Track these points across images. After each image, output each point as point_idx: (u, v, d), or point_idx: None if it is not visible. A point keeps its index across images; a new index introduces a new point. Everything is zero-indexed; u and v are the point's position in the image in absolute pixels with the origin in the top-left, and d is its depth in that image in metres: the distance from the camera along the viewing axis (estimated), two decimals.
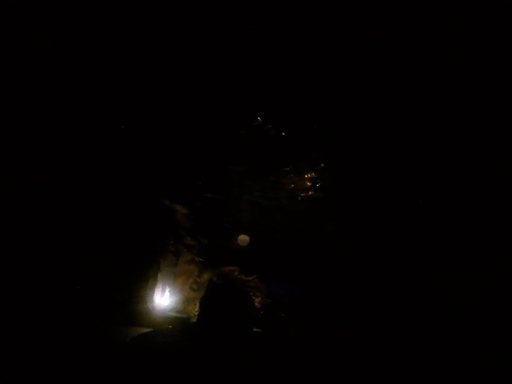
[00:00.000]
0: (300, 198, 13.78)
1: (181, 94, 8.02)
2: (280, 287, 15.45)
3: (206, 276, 13.71)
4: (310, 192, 13.47)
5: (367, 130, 9.46)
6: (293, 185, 12.96)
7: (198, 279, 13.20)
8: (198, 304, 13.03)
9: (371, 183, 12.03)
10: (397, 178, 11.51)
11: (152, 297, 10.73)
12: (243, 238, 15.09)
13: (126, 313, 9.28)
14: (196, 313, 12.82)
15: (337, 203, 13.26)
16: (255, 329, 13.52)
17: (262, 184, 12.51)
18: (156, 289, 10.95)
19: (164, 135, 9.34)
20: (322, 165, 11.43)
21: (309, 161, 11.44)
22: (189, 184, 10.67)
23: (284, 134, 10.04)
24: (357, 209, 13.04)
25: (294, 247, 15.76)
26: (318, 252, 15.53)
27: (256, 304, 14.48)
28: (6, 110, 7.40)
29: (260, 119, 9.33)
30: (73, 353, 6.01)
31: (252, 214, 14.90)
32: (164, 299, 11.48)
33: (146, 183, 9.92)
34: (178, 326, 10.34)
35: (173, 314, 11.38)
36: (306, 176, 12.92)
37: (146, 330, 9.51)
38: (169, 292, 11.67)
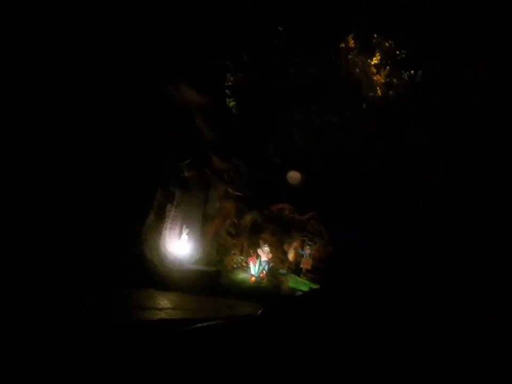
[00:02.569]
0: (365, 106, 10.17)
1: None
2: (347, 233, 12.05)
3: (249, 218, 10.80)
4: (379, 91, 9.79)
5: None
6: (354, 77, 9.40)
7: (236, 221, 10.29)
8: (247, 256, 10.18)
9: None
10: None
11: (163, 243, 7.84)
12: (294, 175, 11.86)
13: (117, 267, 6.44)
14: (235, 266, 10.01)
15: (424, 103, 9.41)
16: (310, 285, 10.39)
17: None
18: (168, 232, 8.02)
19: None
20: None
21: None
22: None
23: None
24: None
25: (364, 182, 12.17)
26: (397, 186, 11.75)
27: (314, 252, 11.29)
28: None
29: None
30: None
31: (306, 139, 11.62)
32: (181, 246, 8.42)
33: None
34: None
35: (194, 267, 8.34)
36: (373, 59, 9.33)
37: (153, 292, 6.71)
38: (187, 235, 8.52)
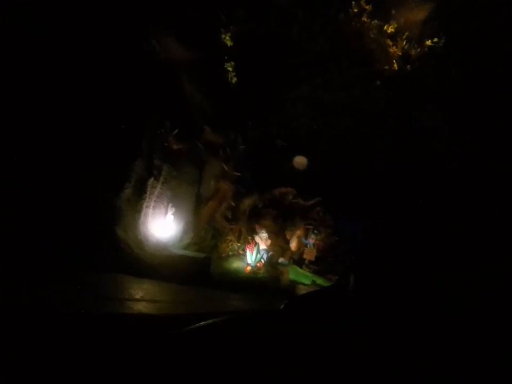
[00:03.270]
0: (379, 83, 9.16)
1: None
2: (352, 222, 11.13)
3: (248, 201, 9.89)
4: (395, 65, 8.78)
5: None
6: (367, 47, 8.43)
7: (234, 204, 9.35)
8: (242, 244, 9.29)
9: None
10: None
11: (144, 223, 6.73)
12: (300, 161, 10.92)
13: (81, 246, 5.38)
14: (230, 253, 9.11)
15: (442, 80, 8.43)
16: (312, 278, 9.49)
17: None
18: (151, 211, 6.90)
19: None
20: None
21: None
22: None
23: None
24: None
25: (373, 168, 11.21)
26: (410, 173, 10.78)
27: (318, 243, 10.38)
28: None
29: None
30: None
31: (312, 118, 10.66)
32: (166, 227, 7.31)
33: None
34: None
35: (180, 252, 7.22)
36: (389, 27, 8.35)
37: (124, 278, 5.71)
38: (172, 215, 7.44)
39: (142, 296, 5.01)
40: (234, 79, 8.42)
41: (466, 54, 7.87)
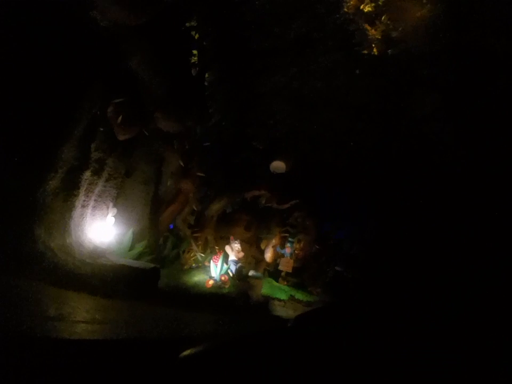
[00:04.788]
0: (361, 70, 8.17)
1: None
2: (337, 227, 9.99)
3: (216, 206, 8.71)
4: (375, 49, 7.82)
5: None
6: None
7: (196, 208, 8.16)
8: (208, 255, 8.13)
9: None
10: None
11: (78, 225, 5.44)
12: (277, 165, 9.84)
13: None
14: (194, 265, 7.90)
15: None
16: (290, 292, 8.31)
17: None
18: (89, 212, 5.65)
19: None
20: None
21: None
22: None
23: None
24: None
25: (359, 168, 10.11)
26: (398, 173, 9.69)
27: (298, 252, 9.20)
28: None
29: None
30: None
31: (289, 115, 9.61)
32: (105, 232, 6.00)
33: None
34: None
35: (121, 261, 5.83)
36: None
37: (39, 288, 4.47)
38: (113, 216, 6.20)
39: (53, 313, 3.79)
40: (195, 59, 7.35)
41: (454, 28, 6.87)
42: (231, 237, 8.38)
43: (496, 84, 6.48)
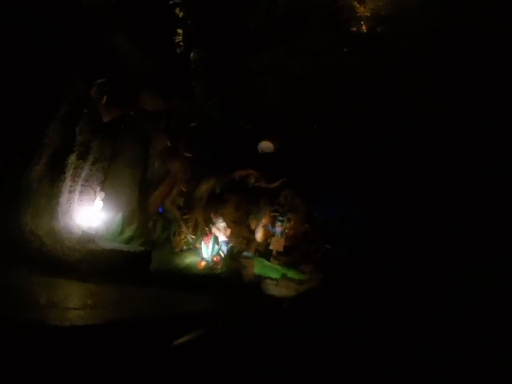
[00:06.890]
0: (350, 48, 8.05)
1: None
2: (325, 207, 10.04)
3: (204, 187, 8.63)
4: (364, 27, 7.73)
5: None
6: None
7: (184, 190, 8.05)
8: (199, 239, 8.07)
9: None
10: None
11: (66, 210, 5.31)
12: (265, 145, 9.73)
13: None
14: (185, 247, 7.85)
15: None
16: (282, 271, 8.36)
17: None
18: (76, 196, 5.48)
19: None
20: None
21: None
22: None
23: None
24: None
25: (346, 147, 10.10)
26: (388, 152, 9.71)
27: (288, 231, 9.24)
28: None
29: None
30: None
31: (277, 93, 9.45)
32: (94, 216, 5.86)
33: None
34: None
35: (110, 245, 5.86)
36: None
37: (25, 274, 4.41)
38: (101, 201, 6.06)
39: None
40: (180, 38, 7.09)
41: (444, 6, 6.78)
42: (213, 215, 8.32)
43: (486, 63, 6.46)
